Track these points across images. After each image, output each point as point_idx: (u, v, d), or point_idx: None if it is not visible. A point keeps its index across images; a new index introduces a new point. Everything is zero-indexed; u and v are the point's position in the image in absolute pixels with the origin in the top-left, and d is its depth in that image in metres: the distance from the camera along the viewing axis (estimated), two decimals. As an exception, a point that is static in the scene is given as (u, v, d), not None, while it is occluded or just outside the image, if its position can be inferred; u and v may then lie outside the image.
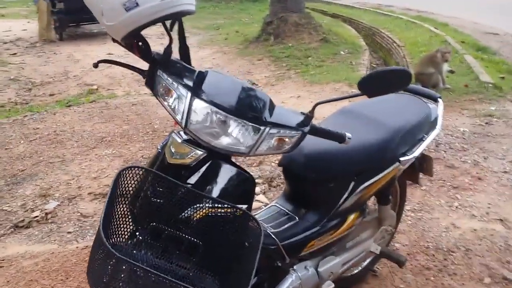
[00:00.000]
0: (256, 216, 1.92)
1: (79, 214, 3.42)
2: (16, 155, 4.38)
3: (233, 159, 1.52)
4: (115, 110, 5.65)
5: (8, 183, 3.88)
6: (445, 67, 5.92)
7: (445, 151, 4.16)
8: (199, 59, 8.55)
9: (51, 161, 4.26)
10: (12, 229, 3.25)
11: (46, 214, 3.41)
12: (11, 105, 6.53)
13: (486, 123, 4.78)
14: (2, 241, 3.12)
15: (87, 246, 2.97)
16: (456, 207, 3.33)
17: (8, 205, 3.54)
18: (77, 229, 3.24)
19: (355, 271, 2.51)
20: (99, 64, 1.57)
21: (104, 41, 10.81)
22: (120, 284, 1.17)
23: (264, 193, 3.57)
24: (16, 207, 3.51)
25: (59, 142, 4.68)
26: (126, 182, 1.39)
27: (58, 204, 3.55)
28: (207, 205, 1.36)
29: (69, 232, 3.21)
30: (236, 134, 1.39)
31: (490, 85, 5.92)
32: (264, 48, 8.94)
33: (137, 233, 1.40)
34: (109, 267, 1.13)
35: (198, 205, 1.36)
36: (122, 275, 1.16)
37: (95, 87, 7.26)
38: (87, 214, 3.40)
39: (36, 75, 8.13)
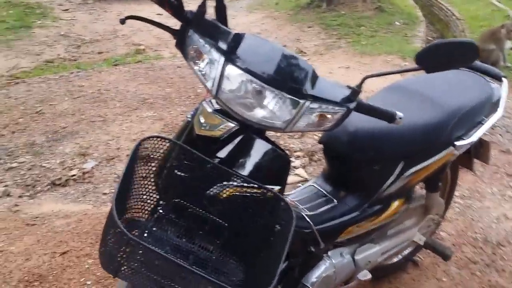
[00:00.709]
0: (291, 196, 1.79)
1: (115, 175, 3.39)
2: (59, 112, 4.38)
3: (267, 135, 1.38)
4: (160, 72, 5.57)
5: (49, 140, 3.88)
6: (508, 44, 5.54)
7: (501, 135, 3.89)
8: (247, 24, 8.36)
9: (92, 120, 4.24)
10: (49, 187, 3.26)
11: (84, 173, 3.40)
12: (59, 61, 6.58)
13: (549, 107, 4.43)
14: (38, 198, 3.13)
15: (120, 209, 2.92)
16: (510, 196, 3.10)
17: (47, 161, 3.55)
18: (113, 190, 3.20)
19: (395, 260, 2.35)
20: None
21: (154, 0, 10.70)
22: (136, 264, 1.06)
23: (304, 167, 3.43)
24: (55, 165, 3.51)
25: (102, 101, 4.65)
26: (147, 152, 1.27)
27: (96, 164, 3.53)
28: (235, 183, 1.23)
29: (104, 194, 3.18)
30: (272, 106, 1.23)
31: (556, 66, 5.51)
32: (316, 15, 8.64)
33: (159, 208, 1.29)
34: (123, 247, 1.02)
35: (225, 182, 1.23)
36: (138, 256, 1.05)
37: (142, 47, 7.23)
38: (124, 176, 3.36)
39: (86, 32, 8.16)
